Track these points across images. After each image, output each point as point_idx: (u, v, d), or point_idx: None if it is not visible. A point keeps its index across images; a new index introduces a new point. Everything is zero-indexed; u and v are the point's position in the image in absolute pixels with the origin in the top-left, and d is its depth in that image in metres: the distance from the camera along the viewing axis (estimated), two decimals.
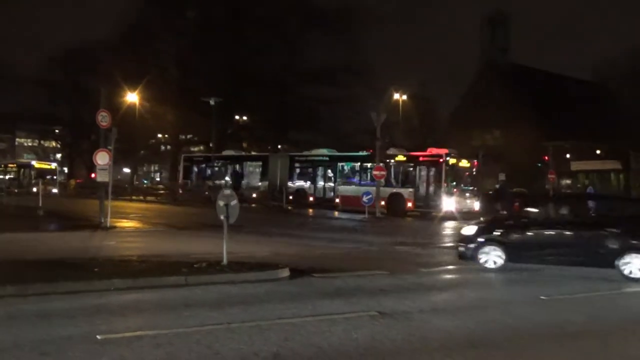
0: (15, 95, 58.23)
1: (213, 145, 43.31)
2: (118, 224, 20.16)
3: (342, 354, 6.35)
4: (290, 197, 33.21)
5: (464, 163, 29.42)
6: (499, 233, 12.69)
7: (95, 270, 10.39)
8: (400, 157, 30.19)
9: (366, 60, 61.08)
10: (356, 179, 31.97)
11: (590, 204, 14.16)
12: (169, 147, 60.02)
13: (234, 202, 11.22)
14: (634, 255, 11.65)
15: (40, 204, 23.58)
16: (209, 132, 43.79)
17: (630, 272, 11.58)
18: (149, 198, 41.46)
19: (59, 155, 70.88)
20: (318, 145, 38.39)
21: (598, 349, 7.03)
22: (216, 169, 38.87)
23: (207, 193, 32.95)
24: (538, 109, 53.48)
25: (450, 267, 12.96)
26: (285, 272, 10.93)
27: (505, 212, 22.35)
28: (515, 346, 6.92)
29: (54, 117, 61.20)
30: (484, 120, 56.46)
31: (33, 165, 47.78)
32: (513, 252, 12.42)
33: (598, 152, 49.38)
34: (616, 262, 11.69)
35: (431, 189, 28.77)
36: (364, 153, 31.79)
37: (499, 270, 12.35)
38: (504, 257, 12.43)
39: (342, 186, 32.06)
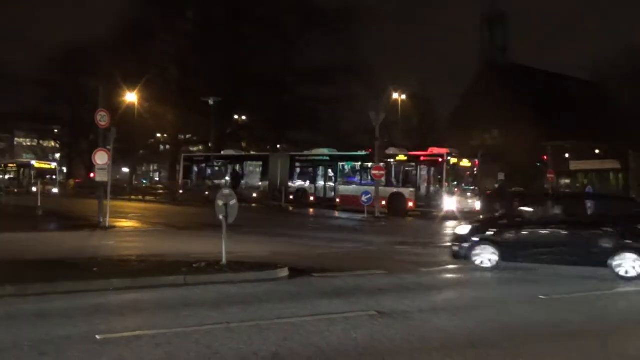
0: (14, 95, 58.36)
1: (212, 145, 43.33)
2: (117, 224, 20.15)
3: (341, 353, 6.35)
4: (291, 197, 33.18)
5: (465, 163, 29.40)
6: (492, 232, 12.73)
7: (94, 270, 10.39)
8: (402, 157, 30.14)
9: (366, 60, 61.01)
10: (357, 178, 31.92)
11: (584, 203, 14.17)
12: (168, 146, 60.00)
13: (233, 201, 11.22)
14: (626, 254, 11.70)
15: (39, 204, 23.57)
16: (208, 131, 43.81)
17: (626, 272, 11.61)
18: (148, 198, 41.43)
19: (57, 155, 70.80)
20: (317, 145, 38.35)
21: (597, 349, 7.03)
22: (216, 168, 38.82)
23: (207, 193, 32.91)
24: (538, 108, 53.44)
25: (450, 266, 12.95)
26: (285, 272, 10.93)
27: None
28: (514, 346, 6.91)
29: (53, 116, 61.16)
30: (483, 120, 56.44)
31: (33, 165, 47.74)
32: (506, 251, 12.46)
33: (597, 151, 49.38)
34: (609, 262, 11.74)
35: (432, 188, 28.77)
36: (364, 153, 31.78)
37: (497, 269, 12.34)
38: (497, 256, 12.47)
39: (342, 186, 32.03)
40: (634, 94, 41.77)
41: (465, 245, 12.75)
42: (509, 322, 7.99)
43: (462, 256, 12.77)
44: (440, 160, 28.12)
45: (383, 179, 28.33)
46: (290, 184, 33.92)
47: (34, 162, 49.07)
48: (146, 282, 9.80)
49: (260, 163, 36.74)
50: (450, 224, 25.04)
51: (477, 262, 12.57)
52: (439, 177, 28.26)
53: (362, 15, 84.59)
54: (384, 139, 34.08)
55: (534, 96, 55.50)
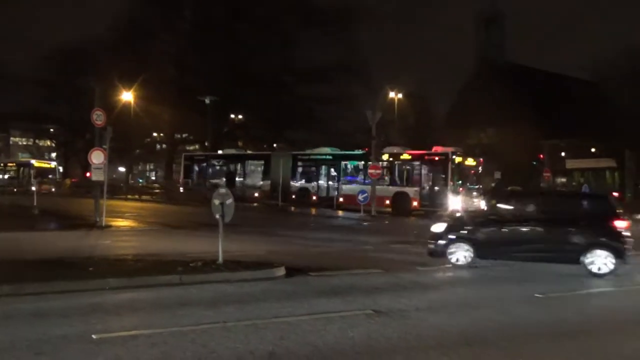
0: (11, 94, 58.07)
1: (208, 144, 43.23)
2: (113, 223, 20.13)
3: (337, 352, 6.35)
4: (293, 196, 32.87)
5: (470, 161, 29.19)
6: (466, 231, 12.79)
7: (91, 269, 10.38)
8: (405, 156, 29.85)
9: (365, 59, 60.84)
10: (359, 177, 31.65)
11: (557, 201, 14.18)
12: (164, 146, 59.87)
13: (230, 200, 11.21)
14: (597, 251, 11.81)
15: (35, 203, 23.51)
16: (205, 130, 43.69)
17: (598, 269, 11.73)
18: (144, 197, 41.31)
19: (53, 154, 70.65)
20: (315, 144, 38.19)
21: (596, 347, 7.03)
22: (217, 167, 38.62)
23: (207, 192, 32.75)
24: (537, 108, 53.42)
25: (447, 265, 12.95)
26: (281, 271, 10.93)
27: None
28: (512, 345, 6.92)
29: (49, 116, 60.97)
30: (480, 118, 56.40)
31: (32, 165, 47.63)
32: (481, 248, 12.53)
33: (593, 150, 49.47)
34: (581, 259, 11.85)
35: (437, 187, 28.49)
36: (361, 152, 31.70)
37: (496, 269, 12.38)
38: (472, 253, 12.53)
39: (344, 185, 31.77)
40: (634, 94, 41.78)
41: (441, 242, 12.81)
42: (506, 321, 8.01)
43: (438, 254, 12.82)
44: (445, 159, 27.88)
45: (387, 178, 28.15)
46: (292, 183, 33.58)
47: (33, 162, 48.96)
48: (142, 281, 9.79)
49: (262, 162, 36.34)
50: None
51: (453, 260, 12.64)
52: (444, 176, 27.98)
53: (362, 15, 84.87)
54: (381, 138, 34.02)
55: (533, 96, 55.49)
